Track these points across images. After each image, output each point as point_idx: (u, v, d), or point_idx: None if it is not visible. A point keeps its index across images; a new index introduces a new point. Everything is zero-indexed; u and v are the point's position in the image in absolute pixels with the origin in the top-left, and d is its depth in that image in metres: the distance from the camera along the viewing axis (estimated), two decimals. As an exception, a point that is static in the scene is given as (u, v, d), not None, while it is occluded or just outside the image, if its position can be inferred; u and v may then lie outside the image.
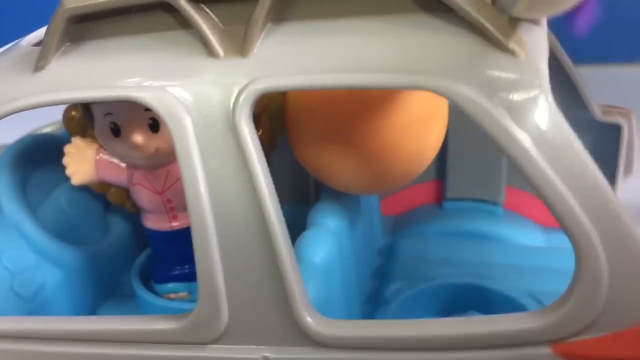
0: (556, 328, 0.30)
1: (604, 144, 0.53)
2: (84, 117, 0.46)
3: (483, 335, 0.31)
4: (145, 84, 0.33)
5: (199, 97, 0.33)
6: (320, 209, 0.47)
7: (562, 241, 0.31)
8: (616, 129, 0.54)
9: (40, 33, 0.41)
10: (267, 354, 0.34)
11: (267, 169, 0.33)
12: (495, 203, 0.60)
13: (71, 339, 0.36)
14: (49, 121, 0.58)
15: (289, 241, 0.33)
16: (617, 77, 1.08)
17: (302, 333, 0.33)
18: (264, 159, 0.33)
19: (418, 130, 0.46)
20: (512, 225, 0.59)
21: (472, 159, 0.59)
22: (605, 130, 0.54)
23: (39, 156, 0.51)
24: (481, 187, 0.60)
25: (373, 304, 0.50)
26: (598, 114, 0.54)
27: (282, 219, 0.33)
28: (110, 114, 0.44)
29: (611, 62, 1.14)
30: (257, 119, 0.46)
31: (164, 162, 0.45)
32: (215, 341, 0.34)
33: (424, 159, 0.49)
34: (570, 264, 0.31)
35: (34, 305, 0.45)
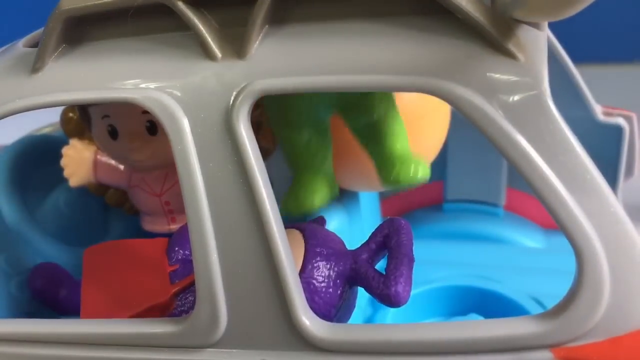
0: (558, 332, 0.30)
1: (605, 145, 0.53)
2: (81, 120, 0.46)
3: (484, 339, 0.31)
4: (143, 85, 0.33)
5: (196, 99, 0.32)
6: (321, 211, 0.47)
7: (563, 243, 0.30)
8: (617, 131, 0.54)
9: (37, 34, 0.41)
10: (265, 358, 0.34)
11: (264, 171, 0.32)
12: (495, 204, 0.60)
13: (69, 342, 0.36)
14: (47, 122, 0.58)
15: (287, 244, 0.32)
16: (617, 77, 1.08)
17: (300, 337, 0.33)
18: (261, 161, 0.32)
19: (416, 129, 0.46)
20: (512, 226, 0.59)
21: (472, 160, 0.59)
22: (606, 132, 0.54)
23: (38, 157, 0.51)
24: (481, 189, 0.60)
25: (373, 306, 0.50)
26: (599, 115, 0.54)
27: (280, 221, 0.32)
28: (107, 116, 0.44)
29: (611, 62, 1.14)
30: (259, 120, 0.46)
31: (162, 164, 0.45)
32: (213, 345, 0.34)
33: (424, 157, 0.49)
34: (571, 265, 0.30)
35: (31, 308, 0.45)
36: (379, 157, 0.43)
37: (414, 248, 0.36)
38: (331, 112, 0.43)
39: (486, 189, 0.60)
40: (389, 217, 0.37)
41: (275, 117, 0.43)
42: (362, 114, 0.42)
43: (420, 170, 0.41)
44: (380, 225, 0.36)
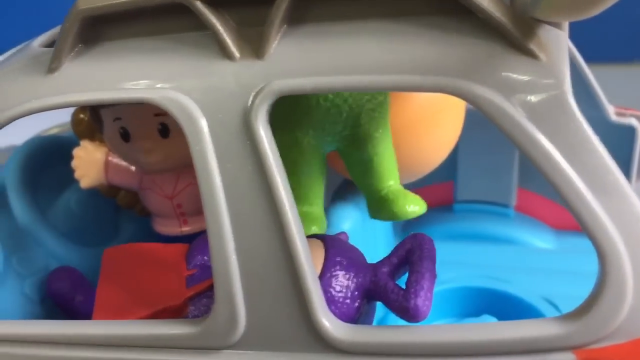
0: (580, 334, 0.30)
1: (618, 145, 0.53)
2: (93, 122, 0.46)
3: (506, 341, 0.30)
4: (160, 86, 0.33)
5: (214, 99, 0.32)
6: (334, 212, 0.47)
7: (573, 243, 0.30)
8: (630, 131, 0.54)
9: (52, 34, 0.41)
10: (284, 360, 0.33)
11: (283, 172, 0.32)
12: (506, 205, 0.60)
13: (83, 343, 0.36)
14: (55, 123, 0.58)
15: (307, 245, 0.32)
16: (620, 77, 1.08)
17: (320, 339, 0.32)
18: (280, 162, 0.32)
19: (432, 124, 0.46)
20: (523, 227, 0.59)
21: (483, 161, 0.59)
22: (619, 132, 0.54)
23: (49, 158, 0.51)
24: (492, 189, 0.60)
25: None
26: (612, 115, 0.54)
27: (300, 223, 0.32)
28: (119, 118, 0.43)
29: (611, 62, 1.14)
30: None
31: (173, 167, 0.45)
32: (232, 346, 0.34)
33: (438, 153, 0.49)
34: (582, 266, 0.30)
35: (45, 308, 0.45)
36: (372, 193, 0.44)
37: None
38: (332, 148, 0.44)
39: (497, 190, 0.60)
40: (412, 232, 0.37)
41: (283, 140, 0.43)
42: (357, 150, 0.43)
43: (413, 204, 0.42)
44: (403, 240, 0.36)
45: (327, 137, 0.42)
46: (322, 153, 0.44)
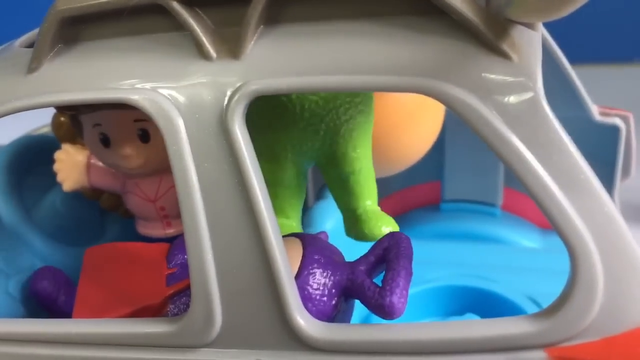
0: (552, 332, 0.30)
1: (602, 145, 0.53)
2: (73, 127, 0.45)
3: (478, 339, 0.31)
4: (138, 86, 0.33)
5: (191, 99, 0.32)
6: (317, 212, 0.47)
7: (559, 242, 0.30)
8: (614, 131, 0.54)
9: (33, 35, 0.41)
10: (260, 358, 0.34)
11: (259, 171, 0.32)
12: (492, 204, 0.60)
13: (64, 341, 0.36)
14: (43, 122, 0.58)
15: (282, 245, 0.33)
16: (615, 77, 1.08)
17: (295, 337, 0.33)
18: (256, 161, 0.32)
19: (409, 121, 0.47)
20: (509, 226, 0.59)
21: (470, 160, 0.59)
22: (603, 132, 0.54)
23: (35, 157, 0.51)
24: (479, 189, 0.60)
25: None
26: (596, 115, 0.54)
27: (276, 222, 0.33)
28: (99, 124, 0.43)
29: (611, 62, 1.14)
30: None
31: (155, 171, 0.45)
32: (208, 345, 0.34)
33: (418, 147, 0.49)
34: (567, 265, 0.30)
35: (28, 308, 0.45)
36: (348, 211, 0.44)
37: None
38: (312, 164, 0.44)
39: (483, 189, 0.60)
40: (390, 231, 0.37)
41: (262, 150, 0.43)
42: (335, 167, 0.43)
43: (386, 226, 0.42)
44: (381, 238, 0.36)
45: (306, 153, 0.42)
46: (302, 168, 0.44)
